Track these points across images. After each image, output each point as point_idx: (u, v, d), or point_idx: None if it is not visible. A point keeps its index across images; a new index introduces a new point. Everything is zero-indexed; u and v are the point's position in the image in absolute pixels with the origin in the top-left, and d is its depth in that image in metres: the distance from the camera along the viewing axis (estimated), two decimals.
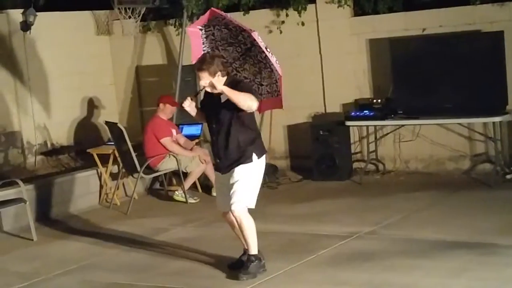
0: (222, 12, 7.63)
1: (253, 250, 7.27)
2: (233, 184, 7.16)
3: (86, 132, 13.39)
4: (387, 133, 11.57)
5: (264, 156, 7.38)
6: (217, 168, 7.44)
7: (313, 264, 7.59)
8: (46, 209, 10.53)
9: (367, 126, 11.54)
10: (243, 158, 7.19)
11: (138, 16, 12.96)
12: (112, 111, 13.86)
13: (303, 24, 12.12)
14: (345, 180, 11.38)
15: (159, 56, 13.62)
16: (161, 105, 11.11)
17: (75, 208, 10.86)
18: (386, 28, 11.57)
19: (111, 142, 11.35)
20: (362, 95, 11.67)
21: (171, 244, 8.75)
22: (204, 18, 7.59)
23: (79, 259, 8.45)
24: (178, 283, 7.32)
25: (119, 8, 12.72)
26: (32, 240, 9.39)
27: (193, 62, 7.67)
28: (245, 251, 7.44)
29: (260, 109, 7.55)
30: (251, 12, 12.49)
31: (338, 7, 11.80)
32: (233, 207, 7.15)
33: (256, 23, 12.30)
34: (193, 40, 7.71)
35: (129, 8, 12.81)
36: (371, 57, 11.81)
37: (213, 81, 7.07)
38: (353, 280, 7.01)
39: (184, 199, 10.87)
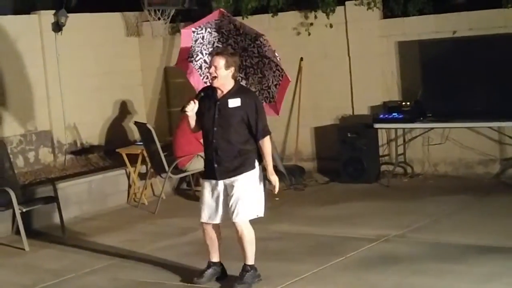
0: (230, 15, 7.53)
1: (250, 260, 7.07)
2: (236, 193, 6.91)
3: (115, 132, 13.47)
4: (416, 136, 11.51)
5: (261, 163, 7.11)
6: (210, 175, 7.05)
7: (341, 267, 7.57)
8: (76, 207, 10.60)
9: (396, 129, 11.48)
10: (246, 165, 6.94)
11: (168, 18, 13.07)
12: (141, 111, 13.92)
13: (331, 26, 12.11)
14: (372, 183, 11.34)
15: None
16: None
17: (104, 207, 10.93)
18: (415, 31, 11.53)
19: (139, 142, 11.42)
20: (390, 98, 11.63)
21: (199, 244, 8.73)
22: (208, 18, 7.50)
23: (109, 257, 8.51)
24: (207, 282, 7.32)
25: (148, 10, 12.84)
26: (63, 238, 9.47)
27: (175, 66, 7.63)
28: (210, 264, 7.29)
29: None
30: (280, 14, 12.50)
31: (367, 9, 11.78)
32: (238, 219, 6.91)
33: (285, 25, 12.37)
34: (182, 42, 7.54)
35: (158, 10, 12.92)
36: (400, 59, 11.76)
37: (222, 73, 6.82)
38: (382, 283, 7.00)
39: None
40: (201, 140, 10.63)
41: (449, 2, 11.43)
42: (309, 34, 12.29)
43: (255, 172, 6.97)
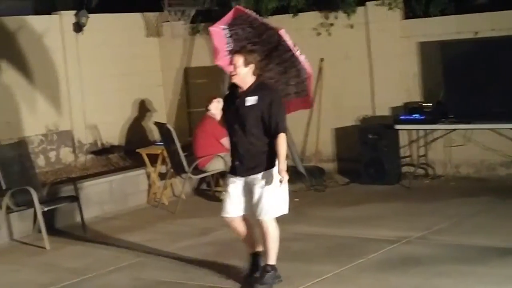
0: (247, 10, 7.50)
1: (272, 260, 7.06)
2: (259, 191, 6.92)
3: (135, 132, 13.51)
4: (437, 137, 11.45)
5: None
6: (233, 171, 7.11)
7: (362, 268, 7.54)
8: (96, 207, 10.62)
9: (417, 130, 11.44)
10: (267, 163, 6.93)
11: (188, 18, 13.07)
12: (161, 112, 13.95)
13: (352, 26, 12.08)
14: (393, 184, 11.28)
15: (207, 58, 13.63)
16: None
17: (125, 207, 10.95)
18: (437, 31, 11.47)
19: (160, 142, 11.43)
20: (411, 99, 11.57)
21: (219, 244, 8.76)
22: (228, 16, 7.45)
23: (129, 256, 8.52)
24: (227, 283, 7.34)
25: (169, 10, 12.84)
26: (84, 237, 9.49)
27: (216, 63, 7.60)
28: (254, 254, 7.29)
29: (289, 110, 7.28)
30: (300, 14, 12.48)
31: (388, 9, 11.76)
32: (262, 216, 6.92)
33: (305, 25, 12.34)
34: (216, 40, 7.50)
35: (179, 11, 12.91)
36: (422, 60, 11.71)
37: (241, 71, 6.89)
38: (403, 285, 6.97)
39: None
40: (221, 141, 10.82)
41: (471, 3, 11.37)
42: (330, 34, 12.27)
43: (277, 170, 6.88)
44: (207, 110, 11.12)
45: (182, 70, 13.95)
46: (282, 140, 6.84)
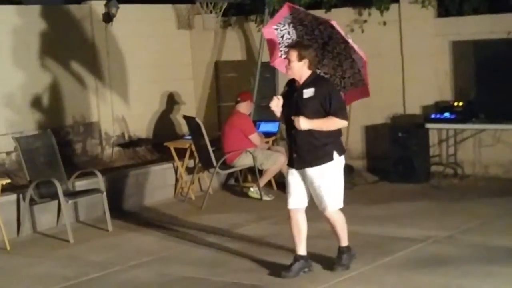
0: (297, 6, 7.60)
1: (344, 241, 7.39)
2: (318, 185, 7.13)
3: (163, 125, 13.49)
4: (467, 137, 11.38)
5: (343, 155, 7.31)
6: (291, 163, 7.32)
7: (388, 266, 7.51)
8: (122, 200, 10.62)
9: (447, 129, 11.37)
10: (324, 156, 7.12)
11: (220, 11, 13.03)
12: (190, 105, 13.92)
13: (385, 23, 12.00)
14: (422, 183, 11.23)
15: (238, 52, 13.62)
16: (243, 101, 11.06)
17: (151, 201, 10.94)
18: (470, 30, 11.37)
19: (188, 136, 11.40)
20: (443, 98, 11.50)
21: (245, 240, 8.73)
22: (279, 15, 7.58)
23: (154, 251, 8.50)
24: (252, 279, 7.30)
25: (200, 3, 12.82)
26: (108, 230, 9.49)
27: (272, 64, 7.81)
28: (296, 258, 7.36)
29: (347, 102, 7.54)
30: (333, 10, 12.41)
31: (421, 7, 11.66)
32: (327, 209, 7.20)
33: (338, 21, 12.14)
34: (269, 41, 7.70)
35: (210, 3, 12.90)
36: (454, 59, 11.62)
37: (295, 65, 7.08)
38: (429, 284, 6.92)
39: (259, 196, 10.84)
40: (250, 136, 10.78)
41: (505, 2, 11.22)
42: (363, 31, 12.18)
43: (333, 163, 7.15)
44: (237, 104, 11.13)
45: (213, 63, 13.92)
46: (336, 119, 7.05)
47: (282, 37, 7.67)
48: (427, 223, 9.04)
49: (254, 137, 10.94)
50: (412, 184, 11.11)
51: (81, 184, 9.94)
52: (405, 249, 7.98)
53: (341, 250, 7.39)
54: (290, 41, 7.61)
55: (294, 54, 7.09)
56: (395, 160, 11.45)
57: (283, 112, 7.22)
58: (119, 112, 12.95)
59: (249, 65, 13.22)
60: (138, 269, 7.88)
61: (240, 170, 11.38)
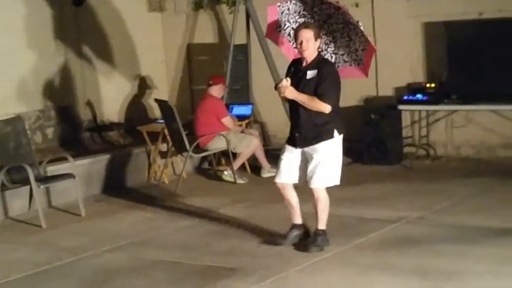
0: None
1: (322, 225, 7.47)
2: (315, 161, 7.31)
3: (136, 109, 13.44)
4: (439, 118, 11.46)
5: (342, 134, 7.53)
6: (291, 142, 7.46)
7: (362, 247, 7.55)
8: (95, 185, 10.56)
9: (419, 111, 11.43)
10: (324, 134, 7.33)
11: None
12: (162, 89, 13.87)
13: (357, 5, 11.96)
14: (395, 164, 11.31)
15: (211, 35, 13.58)
16: (215, 84, 11.03)
17: (123, 185, 10.91)
18: (442, 12, 11.39)
19: (160, 120, 11.36)
20: (415, 79, 11.54)
21: (220, 223, 8.72)
22: None
23: (127, 236, 8.46)
24: (227, 263, 7.28)
25: None
26: (80, 215, 9.42)
27: (266, 36, 8.21)
28: (293, 226, 7.62)
29: (341, 76, 7.63)
30: None
31: None
32: (315, 184, 7.32)
33: None
34: (270, 17, 7.90)
35: None
36: (426, 41, 11.66)
37: (310, 46, 7.21)
38: (402, 264, 6.95)
39: (232, 179, 10.84)
40: (223, 120, 10.75)
41: None
42: None
43: (333, 141, 7.39)
44: (209, 87, 11.09)
45: (185, 46, 13.87)
46: (321, 102, 7.22)
47: (282, 13, 7.85)
48: (399, 204, 9.09)
49: (227, 120, 10.92)
50: (385, 166, 11.18)
51: (53, 169, 9.83)
52: (378, 230, 8.02)
53: (317, 232, 7.48)
54: (287, 16, 7.82)
55: (311, 34, 7.21)
56: (368, 142, 11.49)
57: None
58: (90, 96, 12.85)
59: (222, 47, 13.19)
60: (111, 254, 7.84)
61: (214, 154, 11.36)
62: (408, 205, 8.97)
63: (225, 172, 10.98)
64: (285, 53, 8.05)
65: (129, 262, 7.55)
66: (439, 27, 11.32)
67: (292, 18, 7.86)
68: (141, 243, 8.19)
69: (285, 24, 7.92)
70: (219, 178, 11.05)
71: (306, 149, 7.38)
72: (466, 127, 11.32)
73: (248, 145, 10.87)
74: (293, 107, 7.42)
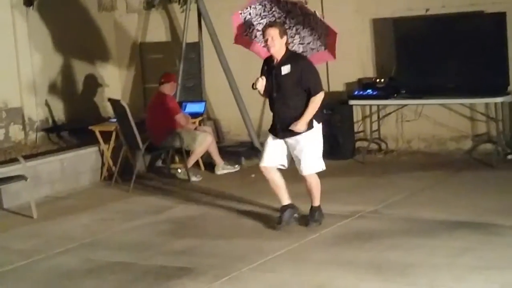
0: None
1: (317, 202, 8.12)
2: (298, 151, 7.83)
3: (88, 109, 13.37)
4: (390, 113, 11.57)
5: (321, 122, 8.00)
6: (273, 133, 7.95)
7: (315, 243, 7.58)
8: (47, 186, 10.49)
9: (370, 106, 11.51)
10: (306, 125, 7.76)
11: None
12: (115, 88, 13.83)
13: (306, 2, 11.98)
14: (347, 159, 11.39)
15: (163, 33, 13.57)
16: (167, 82, 11.03)
17: (77, 185, 10.86)
18: (390, 8, 11.50)
19: (113, 119, 11.33)
20: (365, 74, 11.64)
21: (174, 222, 8.72)
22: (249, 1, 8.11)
23: (80, 237, 8.39)
24: (181, 262, 7.26)
25: None
26: (33, 217, 9.30)
27: (235, 43, 8.41)
28: (283, 209, 8.12)
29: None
30: None
31: None
32: (306, 172, 7.92)
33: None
34: (234, 24, 8.24)
35: None
36: (375, 37, 11.76)
37: (277, 43, 7.62)
38: (356, 259, 6.99)
39: (186, 177, 10.84)
40: (176, 117, 10.75)
41: None
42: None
43: (314, 131, 7.90)
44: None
45: (137, 45, 13.84)
46: (317, 99, 7.79)
47: (245, 19, 8.22)
48: (352, 198, 9.16)
49: (180, 118, 10.92)
50: (338, 160, 11.16)
51: (4, 171, 9.71)
52: (332, 225, 8.06)
53: (314, 209, 8.08)
54: (250, 20, 8.21)
55: (276, 32, 7.62)
56: None
57: (265, 90, 7.82)
58: (42, 96, 12.76)
59: (174, 46, 13.18)
60: (64, 256, 7.77)
61: (167, 152, 11.35)
62: (361, 199, 9.04)
63: (179, 170, 10.98)
64: (257, 54, 8.37)
65: (82, 264, 7.48)
66: (387, 23, 11.43)
67: (255, 21, 8.23)
68: (94, 244, 8.13)
69: (250, 28, 8.27)
70: (173, 176, 11.05)
71: (287, 139, 7.85)
72: (417, 121, 11.45)
73: (202, 143, 10.88)
74: (273, 102, 7.86)
